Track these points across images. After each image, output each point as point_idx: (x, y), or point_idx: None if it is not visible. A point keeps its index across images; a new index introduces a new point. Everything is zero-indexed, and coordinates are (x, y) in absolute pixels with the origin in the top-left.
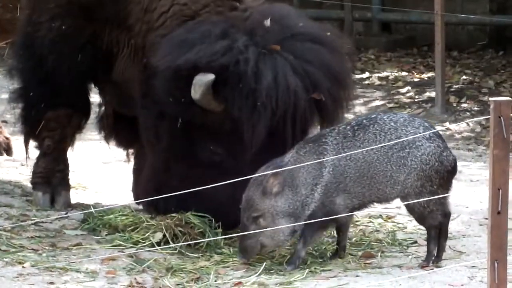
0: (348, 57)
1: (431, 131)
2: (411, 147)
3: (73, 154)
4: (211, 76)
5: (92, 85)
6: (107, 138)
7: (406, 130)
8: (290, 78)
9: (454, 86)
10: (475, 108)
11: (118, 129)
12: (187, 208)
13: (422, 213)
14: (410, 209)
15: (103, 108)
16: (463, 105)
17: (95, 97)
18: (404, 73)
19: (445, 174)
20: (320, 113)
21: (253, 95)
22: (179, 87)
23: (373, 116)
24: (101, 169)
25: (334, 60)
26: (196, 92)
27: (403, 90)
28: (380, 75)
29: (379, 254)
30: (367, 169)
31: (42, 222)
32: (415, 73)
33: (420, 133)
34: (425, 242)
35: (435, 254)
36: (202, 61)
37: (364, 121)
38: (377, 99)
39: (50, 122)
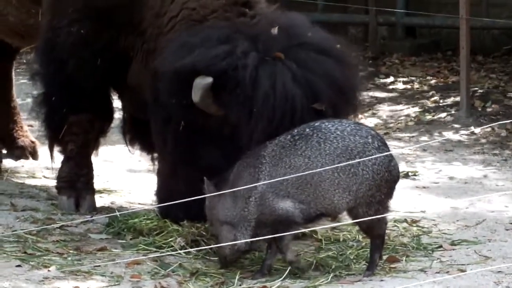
0: (357, 70)
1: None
2: (361, 156)
3: (97, 158)
4: (209, 79)
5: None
6: (131, 143)
7: (354, 139)
8: (288, 85)
9: (479, 91)
10: (500, 113)
11: (140, 133)
12: (193, 214)
13: (371, 222)
14: (359, 219)
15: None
16: (488, 109)
17: (118, 102)
18: (428, 78)
19: (392, 184)
20: None
21: (250, 102)
22: (180, 89)
23: (316, 124)
24: (126, 173)
25: (339, 72)
26: (195, 94)
27: (428, 95)
28: (405, 79)
29: (404, 258)
30: (310, 177)
31: (67, 226)
32: (439, 78)
33: (368, 142)
34: (451, 247)
35: (377, 263)
36: (200, 64)
37: (307, 130)
38: (402, 104)
39: (73, 127)
